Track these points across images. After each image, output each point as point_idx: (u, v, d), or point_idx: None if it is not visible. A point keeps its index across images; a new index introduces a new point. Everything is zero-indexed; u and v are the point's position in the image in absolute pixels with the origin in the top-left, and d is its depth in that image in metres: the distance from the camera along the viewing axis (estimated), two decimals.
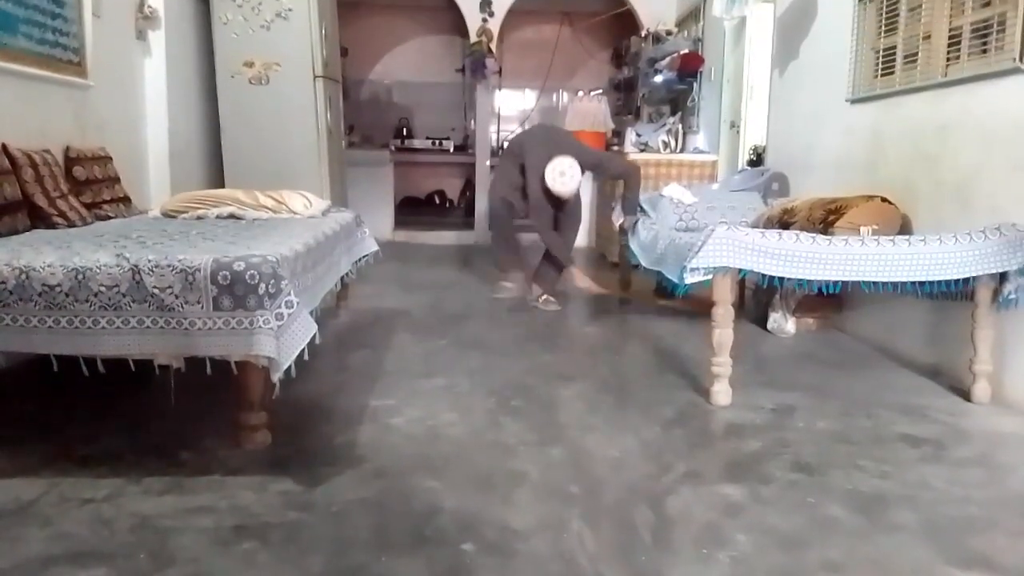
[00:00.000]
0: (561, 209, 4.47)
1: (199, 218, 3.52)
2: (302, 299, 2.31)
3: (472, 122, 8.41)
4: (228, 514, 1.90)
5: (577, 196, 4.44)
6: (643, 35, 7.34)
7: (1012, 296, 2.75)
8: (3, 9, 3.17)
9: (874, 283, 2.77)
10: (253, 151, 5.23)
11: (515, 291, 4.63)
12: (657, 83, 6.80)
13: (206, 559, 1.70)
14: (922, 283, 2.77)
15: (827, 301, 3.81)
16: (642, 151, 6.28)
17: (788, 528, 1.89)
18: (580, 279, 4.92)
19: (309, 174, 5.21)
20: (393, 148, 8.19)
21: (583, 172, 4.33)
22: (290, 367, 2.19)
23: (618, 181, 4.89)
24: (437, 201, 9.35)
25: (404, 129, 8.88)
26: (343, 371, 3.16)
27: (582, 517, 1.93)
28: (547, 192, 4.26)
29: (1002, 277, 2.76)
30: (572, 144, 4.47)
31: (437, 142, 8.70)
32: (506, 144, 4.96)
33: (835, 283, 2.78)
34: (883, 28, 3.68)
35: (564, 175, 4.15)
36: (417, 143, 8.75)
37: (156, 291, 2.14)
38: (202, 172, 5.22)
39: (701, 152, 6.26)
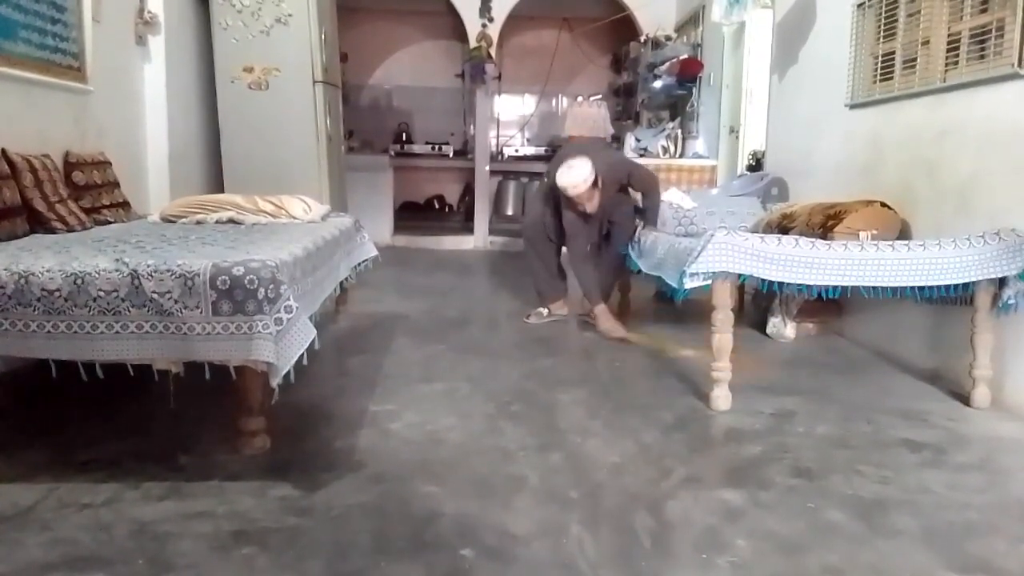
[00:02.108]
0: (603, 230, 4.09)
1: (198, 223, 3.52)
2: (301, 304, 2.31)
3: (472, 127, 8.42)
4: (227, 519, 1.89)
5: (629, 216, 4.08)
6: (642, 40, 7.36)
7: (1011, 301, 2.74)
8: (3, 14, 3.17)
9: (873, 288, 2.77)
10: (252, 156, 5.22)
11: (551, 317, 4.24)
12: (656, 88, 6.82)
13: (205, 565, 1.70)
14: (921, 288, 2.77)
15: (827, 306, 3.81)
16: (641, 156, 6.29)
17: (788, 533, 1.89)
18: (606, 321, 3.94)
19: (308, 179, 5.20)
20: (392, 153, 8.20)
21: (624, 184, 4.02)
22: (289, 372, 2.19)
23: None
24: (436, 206, 9.36)
25: (403, 134, 8.89)
26: (342, 376, 3.16)
27: (582, 522, 1.92)
28: (576, 209, 3.91)
29: (1001, 282, 2.76)
30: (601, 153, 4.11)
31: (436, 147, 8.71)
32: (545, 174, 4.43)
33: (834, 288, 2.78)
34: (882, 33, 3.69)
35: (572, 168, 3.77)
36: (416, 148, 8.76)
37: (155, 296, 2.14)
38: (201, 177, 5.22)
39: (700, 157, 6.27)
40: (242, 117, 5.23)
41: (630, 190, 4.23)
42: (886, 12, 3.64)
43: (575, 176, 3.79)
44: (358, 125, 8.48)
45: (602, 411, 2.79)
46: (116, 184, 3.87)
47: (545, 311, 4.28)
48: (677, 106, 6.95)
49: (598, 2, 8.02)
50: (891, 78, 3.60)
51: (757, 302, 4.16)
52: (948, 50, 3.19)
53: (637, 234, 3.95)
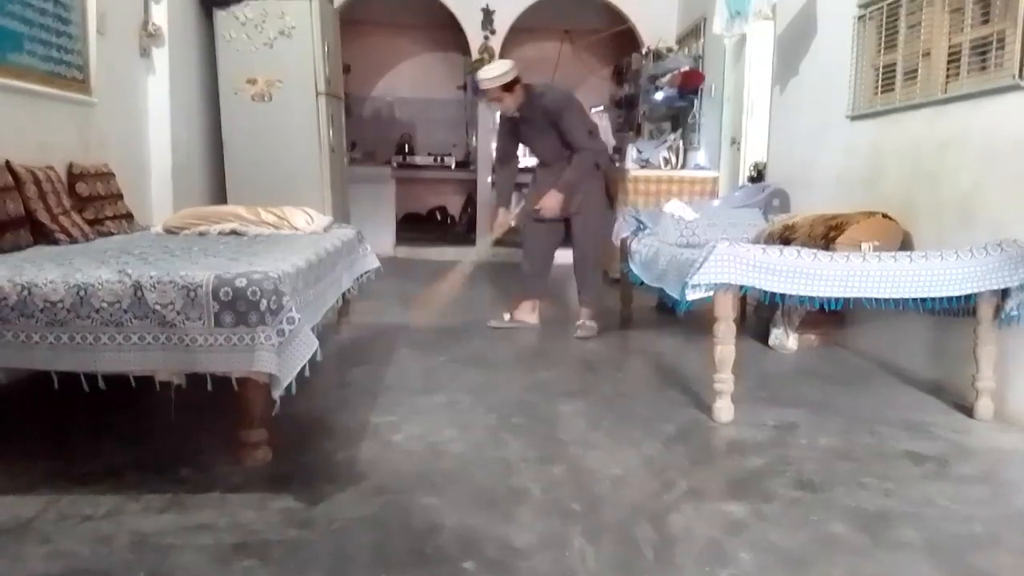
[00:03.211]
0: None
1: (201, 234, 3.52)
2: (304, 315, 2.31)
3: (474, 139, 8.45)
4: (228, 531, 1.89)
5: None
6: (644, 52, 7.39)
7: (1014, 312, 2.74)
8: (8, 27, 3.20)
9: (876, 299, 2.77)
10: (255, 168, 5.25)
11: (512, 323, 4.27)
12: (658, 100, 6.84)
13: None
14: (924, 299, 2.77)
15: (829, 317, 3.80)
16: (643, 167, 6.30)
17: (791, 546, 1.88)
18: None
19: (311, 190, 5.23)
20: (395, 164, 8.24)
21: (556, 125, 4.00)
22: (291, 383, 2.19)
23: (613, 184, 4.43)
24: (439, 217, 9.38)
25: (406, 146, 8.93)
26: (344, 387, 3.16)
27: (584, 535, 1.91)
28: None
29: (1004, 293, 2.76)
30: (552, 85, 4.32)
31: (439, 158, 8.74)
32: None
33: (837, 299, 2.78)
34: (883, 45, 3.70)
35: (493, 65, 3.95)
36: (419, 160, 8.79)
37: (158, 307, 2.14)
38: (204, 188, 5.24)
39: (702, 168, 6.28)
40: (245, 129, 5.26)
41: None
42: (887, 24, 3.66)
43: (489, 71, 3.92)
44: (361, 136, 8.53)
45: (604, 423, 2.79)
46: (119, 195, 3.88)
47: (508, 316, 4.27)
48: (678, 118, 6.96)
49: (599, 14, 8.06)
50: (892, 90, 3.61)
51: (759, 313, 4.16)
52: (949, 62, 3.20)
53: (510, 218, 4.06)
